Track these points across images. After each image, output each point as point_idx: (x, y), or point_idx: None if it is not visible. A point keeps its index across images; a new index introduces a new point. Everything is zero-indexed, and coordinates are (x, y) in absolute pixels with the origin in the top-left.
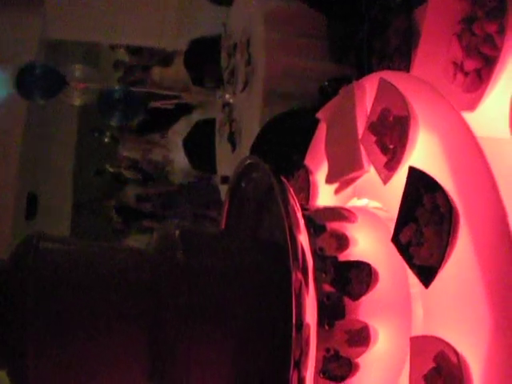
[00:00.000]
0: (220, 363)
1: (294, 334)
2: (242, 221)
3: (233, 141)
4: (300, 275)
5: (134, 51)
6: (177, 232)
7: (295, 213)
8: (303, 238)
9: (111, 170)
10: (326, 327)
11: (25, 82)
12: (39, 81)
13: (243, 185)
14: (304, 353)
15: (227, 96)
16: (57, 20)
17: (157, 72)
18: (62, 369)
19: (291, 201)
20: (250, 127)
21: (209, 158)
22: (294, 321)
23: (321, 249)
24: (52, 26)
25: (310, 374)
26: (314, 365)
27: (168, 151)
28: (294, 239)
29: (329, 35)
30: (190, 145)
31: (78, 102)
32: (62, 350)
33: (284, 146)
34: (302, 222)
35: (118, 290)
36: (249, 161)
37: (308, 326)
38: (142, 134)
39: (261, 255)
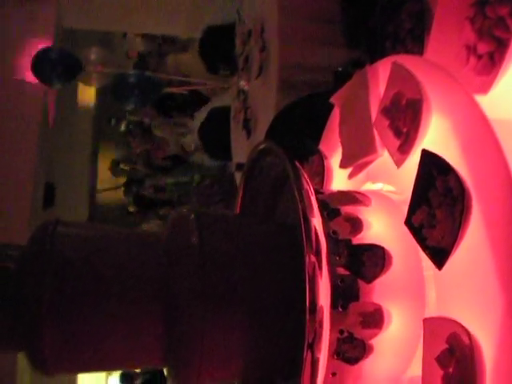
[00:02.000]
0: (233, 345)
1: (307, 316)
2: (256, 205)
3: (248, 128)
4: (314, 258)
5: (150, 39)
6: (192, 215)
7: (309, 197)
8: (317, 222)
9: (126, 168)
10: (340, 309)
11: (41, 66)
12: (55, 65)
13: (258, 170)
14: (318, 335)
15: (242, 83)
16: (71, 8)
17: (172, 59)
18: (78, 348)
19: (305, 185)
20: (265, 114)
21: (224, 145)
22: (307, 303)
23: (335, 232)
24: (66, 14)
25: (323, 355)
26: (328, 346)
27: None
28: (307, 222)
29: (343, 20)
30: (205, 133)
31: (95, 84)
32: (78, 329)
33: (299, 131)
34: (315, 205)
35: (132, 272)
36: (263, 145)
37: (321, 308)
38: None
39: (275, 238)
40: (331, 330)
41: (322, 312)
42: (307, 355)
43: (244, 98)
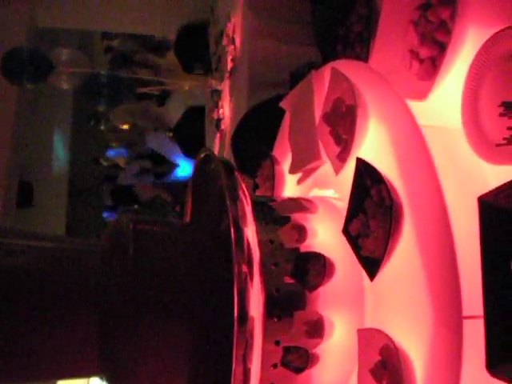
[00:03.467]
0: (168, 357)
1: (235, 326)
2: (205, 212)
3: (220, 128)
4: (245, 268)
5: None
6: (130, 225)
7: (243, 206)
8: (250, 231)
9: (105, 163)
10: (275, 319)
11: (10, 66)
12: (25, 65)
13: (204, 177)
14: (248, 345)
15: (214, 83)
16: (46, 8)
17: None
18: (8, 358)
19: (240, 194)
20: (237, 114)
21: (199, 144)
22: (235, 313)
23: (272, 241)
24: (41, 13)
25: (255, 366)
26: (263, 357)
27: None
28: (238, 231)
29: (313, 21)
30: (180, 131)
31: (65, 85)
32: (9, 341)
33: (261, 135)
34: (249, 215)
35: (65, 285)
36: (204, 154)
37: (252, 318)
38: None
39: (213, 248)
40: (266, 341)
41: (253, 322)
42: (237, 367)
43: (217, 98)
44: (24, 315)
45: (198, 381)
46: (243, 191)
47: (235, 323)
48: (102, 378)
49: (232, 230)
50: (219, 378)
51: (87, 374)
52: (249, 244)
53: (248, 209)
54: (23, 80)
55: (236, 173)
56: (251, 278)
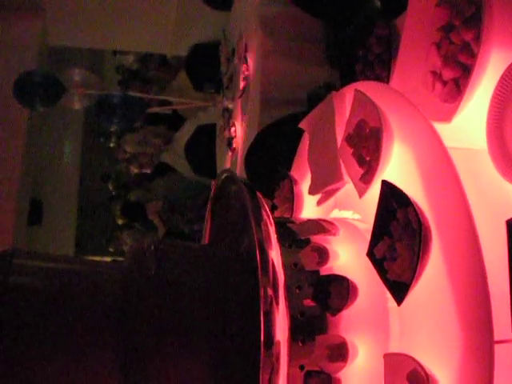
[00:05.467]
0: (191, 380)
1: (262, 350)
2: (225, 234)
3: (232, 146)
4: (270, 291)
5: (142, 58)
6: (152, 247)
7: (267, 228)
8: (275, 254)
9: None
10: (300, 344)
11: (23, 90)
12: (38, 88)
13: (224, 198)
14: (274, 369)
15: (226, 101)
16: (57, 27)
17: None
18: None
19: (264, 216)
20: (249, 133)
21: (210, 163)
22: (262, 338)
23: (295, 264)
24: (52, 32)
25: None
26: (287, 381)
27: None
28: (264, 254)
29: (325, 40)
30: (191, 150)
31: (77, 106)
32: (31, 369)
33: (275, 154)
34: (274, 236)
35: (87, 307)
36: (225, 174)
37: (278, 342)
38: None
39: (234, 271)
40: (291, 365)
41: (279, 346)
42: None
43: (228, 117)
44: (45, 340)
45: None
46: (266, 213)
47: (262, 348)
48: None
49: (257, 252)
50: None
51: None
52: (274, 267)
53: (272, 230)
54: (35, 103)
55: (259, 194)
56: (277, 302)
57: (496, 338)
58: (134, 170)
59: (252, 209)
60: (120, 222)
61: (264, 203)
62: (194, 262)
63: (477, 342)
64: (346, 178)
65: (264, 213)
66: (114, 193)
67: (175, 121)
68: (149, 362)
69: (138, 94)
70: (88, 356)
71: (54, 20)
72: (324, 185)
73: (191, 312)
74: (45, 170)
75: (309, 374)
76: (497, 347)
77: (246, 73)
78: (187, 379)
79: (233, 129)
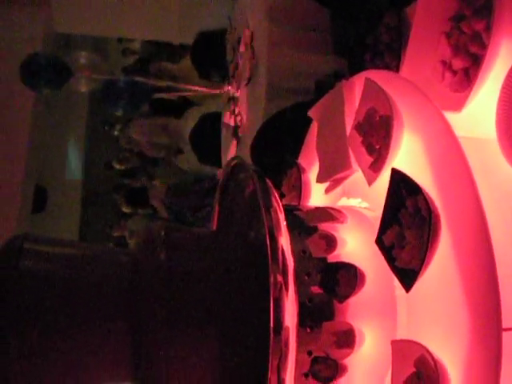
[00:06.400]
0: (199, 365)
1: (271, 336)
2: (233, 221)
3: (237, 135)
4: (280, 277)
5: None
6: (162, 232)
7: (277, 215)
8: (284, 240)
9: (118, 167)
10: (308, 330)
11: (29, 72)
12: (44, 71)
13: (233, 185)
14: (283, 355)
15: (232, 90)
16: (63, 14)
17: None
18: (44, 370)
19: (273, 203)
20: (254, 122)
21: (214, 151)
22: (271, 323)
23: (304, 251)
24: (59, 19)
25: (289, 376)
26: (294, 367)
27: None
28: (273, 241)
29: (332, 29)
30: (196, 138)
31: (83, 89)
32: (44, 351)
33: (282, 143)
34: (283, 223)
35: (98, 291)
36: (234, 161)
37: (287, 328)
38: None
39: (245, 257)
40: (299, 351)
41: (288, 332)
42: (272, 376)
43: (234, 105)
44: (57, 321)
45: None
46: (276, 199)
47: (271, 333)
48: None
49: (267, 238)
50: None
51: (121, 380)
52: (283, 253)
53: (281, 217)
54: (42, 86)
55: (268, 181)
56: (286, 289)
57: (504, 325)
58: (137, 157)
59: (262, 196)
60: (124, 209)
61: (273, 190)
62: (203, 249)
63: (485, 329)
64: (355, 166)
65: (274, 199)
66: (118, 179)
67: (183, 107)
68: (155, 345)
69: (144, 80)
70: (101, 332)
71: (60, 7)
72: (332, 173)
73: (200, 298)
74: (49, 158)
75: (315, 360)
76: (505, 335)
77: (252, 61)
78: (193, 362)
79: (238, 117)
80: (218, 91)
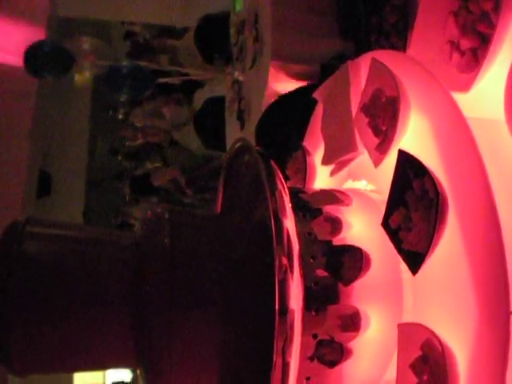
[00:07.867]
0: (203, 348)
1: (277, 319)
2: (237, 204)
3: (242, 118)
4: (285, 260)
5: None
6: (165, 215)
7: (282, 197)
8: (289, 223)
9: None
10: (313, 313)
11: (33, 59)
12: (47, 58)
13: (237, 168)
14: (288, 338)
15: (236, 73)
16: None
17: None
18: (46, 350)
19: (278, 185)
20: (258, 105)
21: (219, 135)
22: (277, 306)
23: (310, 233)
24: (61, 2)
25: (294, 359)
26: (300, 350)
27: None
28: (278, 223)
29: (338, 11)
30: (200, 122)
31: (87, 74)
32: (46, 331)
33: (287, 125)
34: (288, 206)
35: (101, 274)
36: (239, 143)
37: (292, 311)
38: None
39: (248, 240)
40: (304, 334)
41: (293, 315)
42: (277, 359)
43: (238, 89)
44: (59, 304)
45: (232, 372)
46: (281, 182)
47: (276, 316)
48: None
49: (272, 221)
50: (259, 370)
51: (124, 365)
52: (289, 236)
53: (286, 199)
54: (46, 74)
55: (273, 163)
56: (291, 271)
57: None
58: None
59: (267, 178)
60: (129, 196)
61: (279, 172)
62: (207, 232)
63: (493, 312)
64: (361, 148)
65: (279, 182)
66: (124, 164)
67: (189, 88)
68: (159, 328)
69: (148, 64)
70: (104, 316)
71: None
72: (338, 155)
73: (204, 281)
74: (53, 143)
75: (320, 344)
76: None
77: (256, 44)
78: (197, 346)
79: (243, 101)
80: (222, 75)
